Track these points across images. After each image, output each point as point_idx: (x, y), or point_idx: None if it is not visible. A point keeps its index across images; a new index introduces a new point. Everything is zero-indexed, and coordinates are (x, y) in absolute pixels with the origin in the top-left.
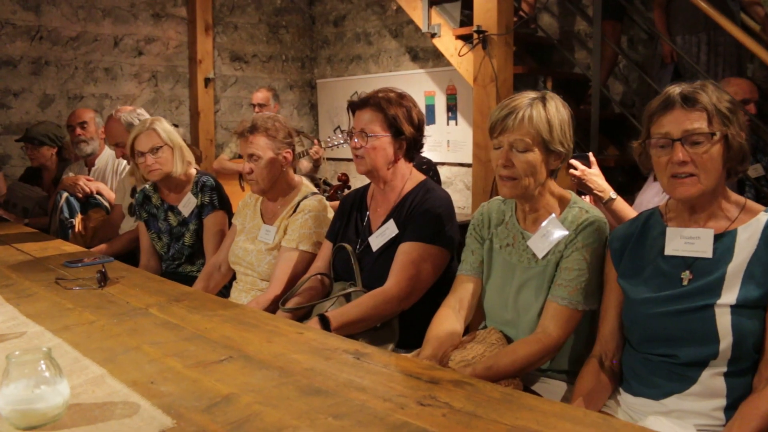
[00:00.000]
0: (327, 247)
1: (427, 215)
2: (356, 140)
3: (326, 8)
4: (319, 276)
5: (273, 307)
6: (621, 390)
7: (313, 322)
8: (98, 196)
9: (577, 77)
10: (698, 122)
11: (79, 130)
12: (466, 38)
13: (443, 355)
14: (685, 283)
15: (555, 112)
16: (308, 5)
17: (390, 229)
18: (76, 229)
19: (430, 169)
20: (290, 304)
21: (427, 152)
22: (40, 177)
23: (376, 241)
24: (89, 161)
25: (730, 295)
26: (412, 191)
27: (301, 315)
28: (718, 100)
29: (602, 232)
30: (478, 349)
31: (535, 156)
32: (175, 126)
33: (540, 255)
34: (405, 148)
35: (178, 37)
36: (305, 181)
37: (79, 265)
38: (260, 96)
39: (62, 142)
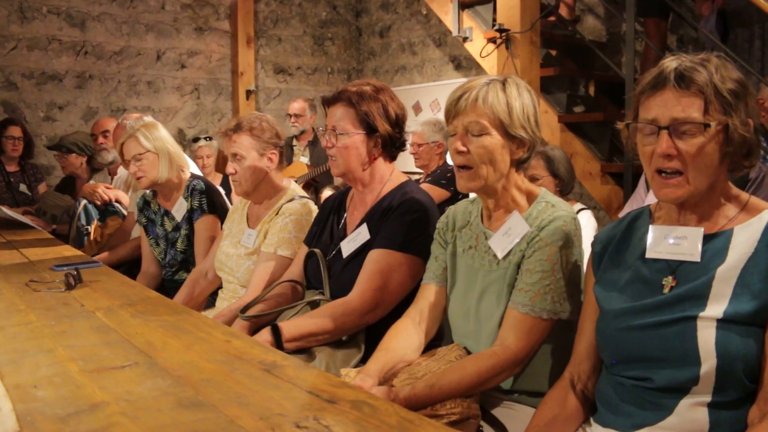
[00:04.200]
0: (303, 252)
1: (400, 220)
2: (327, 138)
3: (372, 19)
4: (290, 283)
5: None
6: (592, 420)
7: (265, 333)
8: (117, 204)
9: (621, 81)
10: (691, 109)
11: (101, 139)
12: (496, 41)
13: (390, 372)
14: (666, 290)
15: (515, 94)
16: (355, 17)
17: (362, 235)
18: (91, 236)
19: (455, 177)
20: (253, 311)
21: None
22: (75, 186)
23: (348, 246)
24: (112, 170)
25: (716, 307)
26: (390, 194)
27: (263, 323)
28: (721, 80)
29: (570, 230)
30: (431, 366)
31: (493, 140)
32: (209, 139)
33: (500, 255)
34: (381, 147)
35: (220, 50)
36: (293, 185)
37: (65, 268)
38: (296, 106)
39: (92, 151)
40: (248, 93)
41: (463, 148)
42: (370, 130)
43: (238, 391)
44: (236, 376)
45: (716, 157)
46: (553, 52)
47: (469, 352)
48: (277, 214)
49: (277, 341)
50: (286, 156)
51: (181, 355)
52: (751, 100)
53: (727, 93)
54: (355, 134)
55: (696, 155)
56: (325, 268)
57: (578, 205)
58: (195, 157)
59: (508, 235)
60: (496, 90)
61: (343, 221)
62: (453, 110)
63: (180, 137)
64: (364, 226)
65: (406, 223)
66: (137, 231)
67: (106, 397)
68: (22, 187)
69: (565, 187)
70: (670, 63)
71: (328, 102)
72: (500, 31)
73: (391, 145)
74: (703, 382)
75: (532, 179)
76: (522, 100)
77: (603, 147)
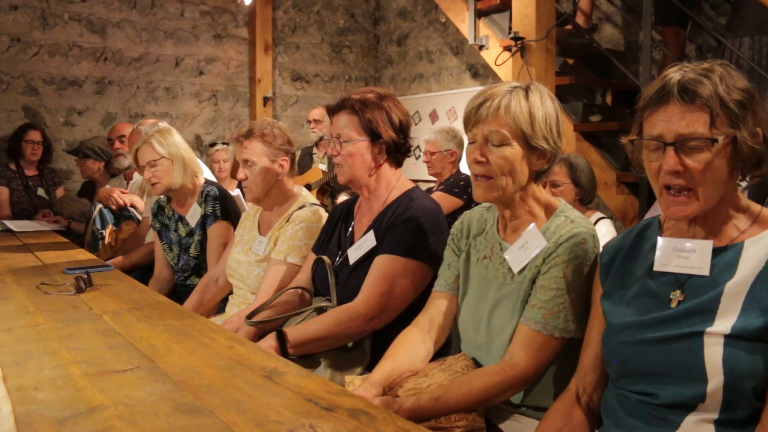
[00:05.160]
0: (311, 259)
1: (406, 226)
2: (332, 146)
3: (390, 27)
4: (298, 290)
5: None
6: None
7: (270, 338)
8: (132, 209)
9: (638, 90)
10: (697, 124)
11: (117, 144)
12: (511, 49)
13: (396, 381)
14: (673, 305)
15: (539, 103)
16: (373, 25)
17: (368, 241)
18: (106, 241)
19: (468, 185)
20: (260, 317)
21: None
22: (95, 191)
23: (354, 253)
24: (128, 175)
25: (725, 323)
26: (396, 200)
27: (270, 329)
28: (726, 91)
29: (589, 248)
30: (438, 377)
31: (514, 151)
32: (226, 144)
33: (516, 269)
34: (386, 153)
35: (238, 57)
36: (304, 192)
37: (76, 272)
38: (316, 112)
39: (109, 156)
40: (265, 100)
41: (482, 159)
42: (374, 136)
43: (236, 397)
44: (236, 382)
45: (725, 171)
46: (570, 61)
47: (477, 363)
48: (287, 221)
49: (282, 347)
50: (306, 164)
51: (183, 360)
52: (759, 108)
53: (734, 104)
54: (359, 141)
55: (704, 171)
56: (332, 275)
57: (597, 215)
58: (211, 162)
59: (524, 248)
60: (519, 98)
61: (350, 229)
62: (473, 118)
63: (197, 143)
64: (371, 233)
65: (411, 229)
66: (151, 236)
67: (105, 400)
68: (40, 191)
69: (586, 197)
70: (673, 75)
71: (332, 110)
72: (516, 39)
73: (396, 151)
74: (710, 399)
75: (553, 185)
76: (545, 109)
77: (619, 156)
